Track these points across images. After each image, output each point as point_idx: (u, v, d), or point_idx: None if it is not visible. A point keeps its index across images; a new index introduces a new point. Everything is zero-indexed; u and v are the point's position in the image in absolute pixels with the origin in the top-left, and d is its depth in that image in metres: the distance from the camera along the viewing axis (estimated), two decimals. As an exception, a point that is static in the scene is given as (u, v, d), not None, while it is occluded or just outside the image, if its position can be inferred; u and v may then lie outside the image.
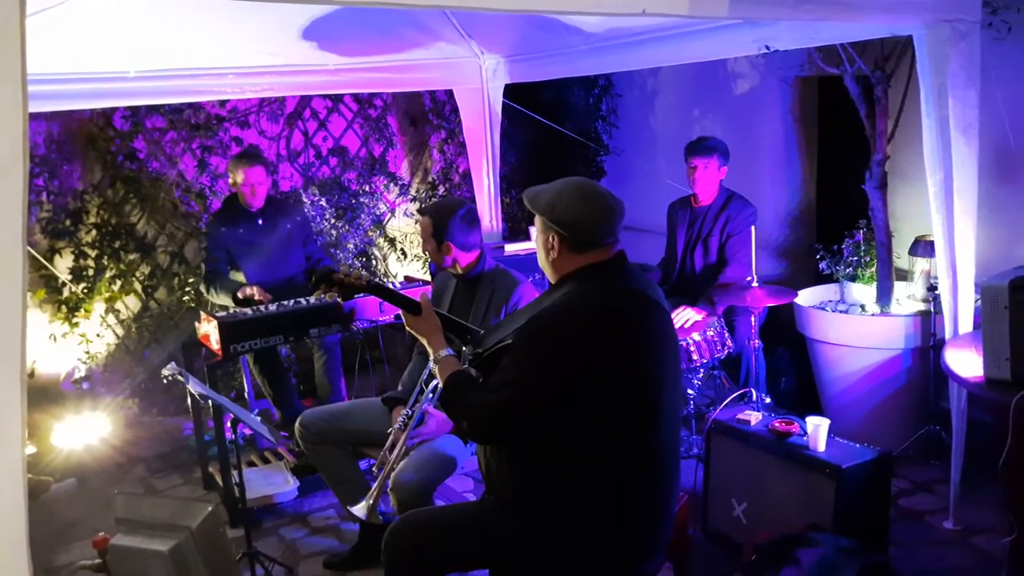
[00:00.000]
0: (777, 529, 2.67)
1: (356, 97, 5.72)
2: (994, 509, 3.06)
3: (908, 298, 3.80)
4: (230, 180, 4.05)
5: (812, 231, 5.21)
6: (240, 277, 3.97)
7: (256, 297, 3.75)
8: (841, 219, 4.55)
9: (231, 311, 3.66)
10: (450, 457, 2.76)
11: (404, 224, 6.03)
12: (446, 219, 2.90)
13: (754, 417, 2.93)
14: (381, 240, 5.90)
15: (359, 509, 2.60)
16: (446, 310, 3.03)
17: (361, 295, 2.41)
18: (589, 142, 6.11)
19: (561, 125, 5.83)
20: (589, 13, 1.94)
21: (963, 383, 2.47)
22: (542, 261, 2.08)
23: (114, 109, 4.70)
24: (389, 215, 5.94)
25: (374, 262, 5.82)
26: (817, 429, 2.68)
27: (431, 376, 2.74)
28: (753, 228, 3.43)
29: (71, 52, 3.49)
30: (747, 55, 3.87)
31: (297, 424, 3.05)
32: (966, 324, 2.91)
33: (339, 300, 2.37)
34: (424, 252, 3.06)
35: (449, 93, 5.95)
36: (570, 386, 1.86)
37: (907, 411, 3.59)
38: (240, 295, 3.80)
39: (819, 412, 3.92)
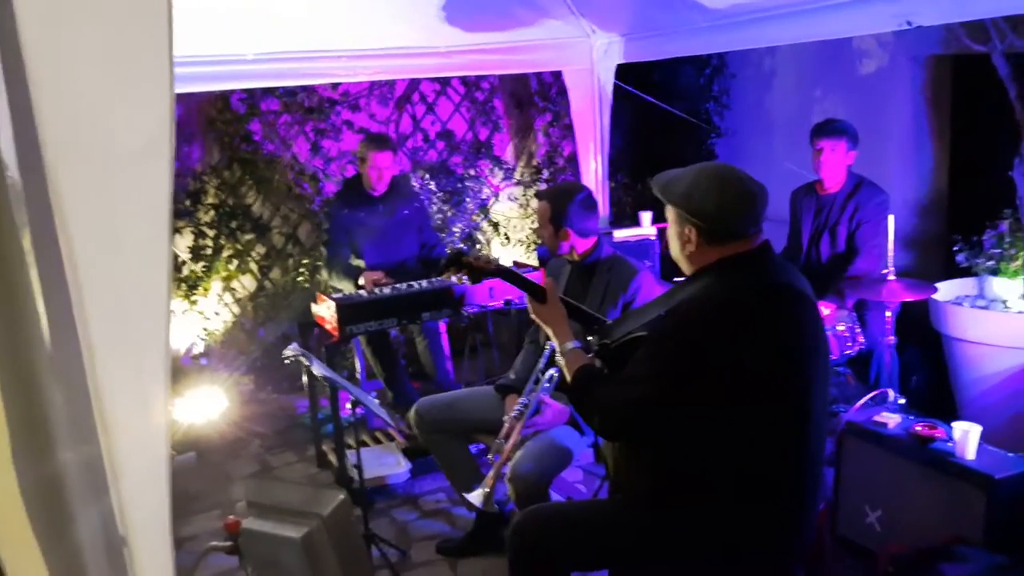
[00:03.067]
0: (916, 540, 2.50)
1: (463, 80, 5.69)
2: None
3: (1059, 294, 3.50)
4: (358, 163, 4.08)
5: (943, 221, 4.88)
6: (358, 261, 4.00)
7: (379, 282, 3.76)
8: (977, 208, 4.23)
9: (347, 293, 3.69)
10: (567, 448, 2.70)
11: (508, 208, 5.99)
12: (565, 203, 2.83)
13: (892, 420, 2.74)
14: (485, 224, 5.87)
15: (475, 497, 2.57)
16: (562, 293, 2.96)
17: (488, 279, 2.35)
18: (701, 123, 5.90)
19: (671, 106, 5.66)
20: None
21: None
22: (676, 254, 1.97)
23: (231, 91, 4.81)
24: (493, 199, 5.91)
25: (479, 246, 5.79)
26: (966, 435, 2.48)
27: (548, 365, 2.69)
28: (891, 217, 3.20)
29: (191, 35, 3.56)
30: (878, 32, 3.60)
31: (412, 412, 3.05)
32: None
33: (467, 282, 2.32)
34: (539, 237, 2.98)
35: (555, 75, 5.87)
36: (711, 384, 1.76)
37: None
38: (362, 280, 3.82)
39: (954, 415, 3.67)
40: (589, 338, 2.18)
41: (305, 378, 4.25)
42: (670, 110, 5.37)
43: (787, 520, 1.86)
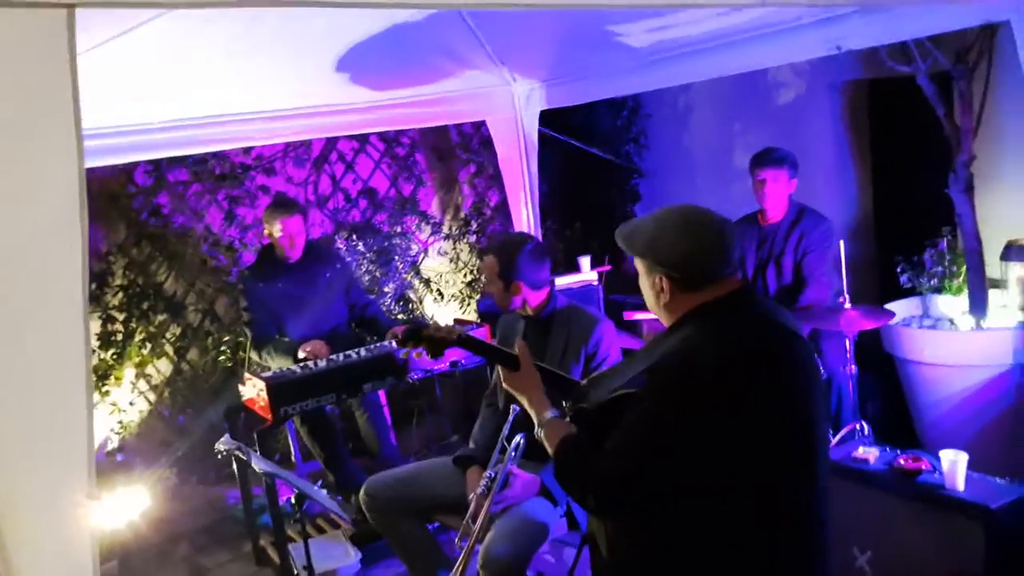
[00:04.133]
0: (916, 580, 2.37)
1: (382, 136, 5.51)
2: None
3: (1003, 308, 3.50)
4: (265, 231, 3.80)
5: (871, 243, 4.92)
6: (284, 336, 3.70)
7: (320, 353, 3.47)
8: (907, 229, 4.28)
9: (276, 370, 3.39)
10: (542, 523, 2.47)
11: (438, 264, 5.79)
12: (514, 256, 2.65)
13: (871, 454, 2.63)
14: (416, 282, 5.65)
15: (444, 587, 2.31)
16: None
17: (450, 349, 2.14)
18: (624, 164, 5.87)
19: (591, 149, 5.61)
20: (702, 5, 1.67)
21: None
22: (652, 305, 1.80)
23: (136, 164, 4.49)
24: (422, 255, 5.70)
25: (411, 305, 5.56)
26: (955, 465, 2.37)
27: (513, 432, 2.47)
28: (842, 243, 3.15)
29: (91, 104, 3.26)
30: (807, 59, 3.61)
31: (362, 493, 2.77)
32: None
33: (427, 356, 2.10)
34: (487, 293, 2.79)
35: (476, 125, 5.76)
36: (711, 443, 1.58)
37: (1020, 434, 3.26)
38: (302, 353, 3.52)
39: (915, 440, 3.62)
40: (564, 403, 1.98)
41: (235, 466, 3.90)
42: (596, 153, 5.33)
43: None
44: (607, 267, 4.81)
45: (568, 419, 1.90)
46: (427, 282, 5.68)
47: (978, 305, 3.42)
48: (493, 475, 2.45)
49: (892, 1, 1.86)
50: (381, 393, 3.92)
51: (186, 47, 3.25)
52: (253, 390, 3.25)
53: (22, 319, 1.04)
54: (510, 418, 2.49)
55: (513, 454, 2.45)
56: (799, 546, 1.68)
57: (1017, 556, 2.34)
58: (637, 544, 1.73)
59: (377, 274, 5.36)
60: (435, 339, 2.05)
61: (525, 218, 4.93)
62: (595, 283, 4.47)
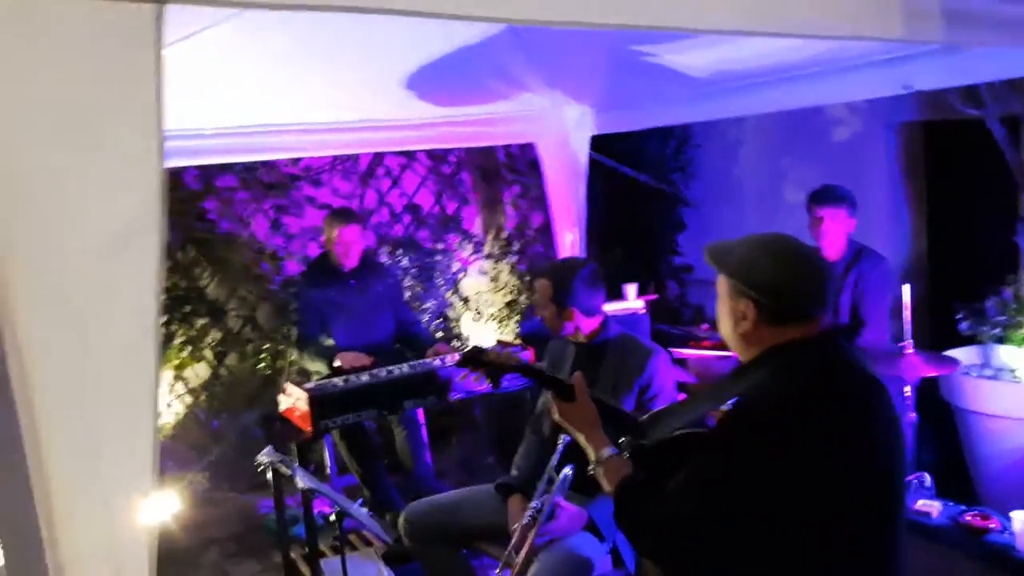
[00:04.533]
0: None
1: (430, 154, 5.51)
2: None
3: (1070, 362, 3.37)
4: (323, 238, 3.82)
5: (925, 288, 4.80)
6: (328, 341, 3.68)
7: (357, 364, 3.44)
8: (964, 274, 4.17)
9: (319, 382, 3.36)
10: (587, 559, 2.39)
11: (478, 283, 5.75)
12: (569, 280, 2.59)
13: (934, 508, 2.51)
14: (456, 300, 5.61)
15: (484, 619, 2.24)
16: (568, 381, 2.70)
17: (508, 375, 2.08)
18: (673, 192, 5.80)
19: (633, 178, 5.56)
20: (798, 36, 1.62)
21: None
22: (727, 332, 1.72)
23: (185, 168, 4.52)
24: (462, 274, 5.67)
25: (450, 323, 5.52)
26: (1028, 526, 2.25)
27: (561, 462, 2.40)
28: (905, 287, 3.04)
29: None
30: (875, 97, 3.54)
31: (402, 519, 2.72)
32: None
33: (486, 382, 2.04)
34: (540, 317, 2.73)
35: (523, 147, 5.74)
36: (786, 495, 1.50)
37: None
38: (338, 363, 3.50)
39: (972, 493, 3.48)
40: (620, 440, 1.90)
41: (270, 475, 3.87)
42: (644, 180, 5.26)
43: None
44: (654, 295, 4.74)
45: (626, 456, 1.83)
46: (466, 300, 5.64)
47: (1043, 358, 3.29)
48: (539, 506, 2.37)
49: (973, 39, 1.79)
50: (419, 411, 3.87)
51: (244, 54, 3.26)
52: (293, 400, 3.21)
53: (93, 323, 1.00)
54: (559, 448, 2.42)
55: (561, 485, 2.38)
56: None
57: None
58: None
59: (418, 290, 5.33)
60: (495, 364, 1.99)
61: (570, 242, 4.88)
62: (641, 311, 4.39)
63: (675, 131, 5.97)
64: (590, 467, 1.83)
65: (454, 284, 5.60)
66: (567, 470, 2.38)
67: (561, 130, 4.69)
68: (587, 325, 2.63)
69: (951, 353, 3.67)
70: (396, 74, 3.81)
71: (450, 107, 4.26)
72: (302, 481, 2.33)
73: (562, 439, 2.44)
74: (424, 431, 3.94)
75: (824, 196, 3.55)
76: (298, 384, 3.28)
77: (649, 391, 2.52)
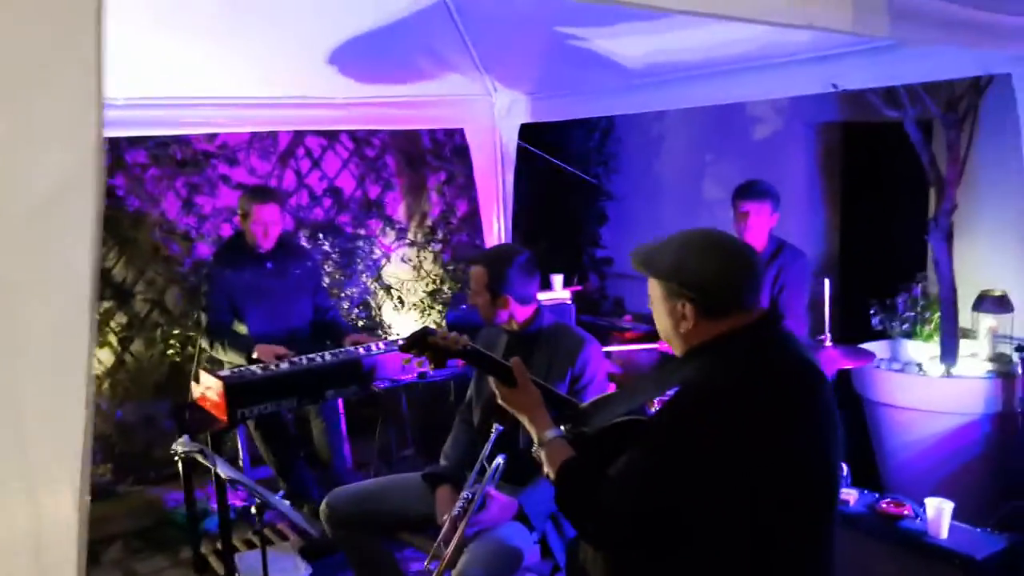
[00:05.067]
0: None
1: (353, 136, 5.35)
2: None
3: (971, 357, 3.54)
4: (239, 217, 3.63)
5: (839, 283, 4.96)
6: (241, 328, 3.51)
7: (279, 355, 3.30)
8: (873, 271, 4.32)
9: (235, 369, 3.20)
10: (517, 549, 2.35)
11: (401, 271, 5.64)
12: (504, 268, 2.54)
13: (850, 496, 2.59)
14: (377, 288, 5.49)
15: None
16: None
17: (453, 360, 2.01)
18: (597, 184, 5.83)
19: (558, 169, 5.55)
20: (750, 20, 1.61)
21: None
22: (667, 332, 1.70)
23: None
24: (385, 261, 5.54)
25: (371, 312, 5.39)
26: (940, 513, 2.34)
27: (494, 452, 2.36)
28: (827, 282, 3.13)
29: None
30: (801, 94, 3.61)
31: (324, 505, 2.61)
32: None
33: (429, 366, 1.97)
34: (472, 305, 2.67)
35: (449, 133, 5.66)
36: (727, 476, 1.49)
37: (987, 484, 3.29)
38: (256, 355, 3.34)
39: (878, 482, 3.61)
40: (561, 426, 1.87)
41: (180, 466, 3.68)
42: (573, 172, 5.26)
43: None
44: (579, 287, 4.74)
45: (567, 442, 1.80)
46: (388, 289, 5.52)
47: (949, 353, 3.44)
48: (470, 496, 2.32)
49: (916, 36, 1.83)
50: (339, 402, 3.75)
51: (161, 21, 3.08)
52: (207, 388, 3.06)
53: (19, 295, 0.88)
54: (492, 437, 2.37)
55: (492, 475, 2.33)
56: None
57: (996, 608, 2.32)
58: (627, 570, 1.63)
59: (338, 276, 5.19)
60: (440, 347, 1.93)
61: (496, 231, 4.84)
62: (568, 302, 4.39)
63: (599, 124, 6.00)
64: (533, 448, 1.79)
65: (376, 271, 5.47)
66: (499, 459, 2.33)
67: (490, 116, 4.63)
68: (521, 313, 2.59)
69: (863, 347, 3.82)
70: (321, 48, 3.67)
71: (376, 85, 4.13)
72: (225, 472, 2.20)
73: (495, 428, 2.39)
74: (343, 423, 3.82)
75: (750, 191, 3.61)
76: (212, 372, 3.12)
77: (581, 380, 2.50)
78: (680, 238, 1.70)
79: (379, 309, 5.50)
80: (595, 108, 4.36)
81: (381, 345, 3.47)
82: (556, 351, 2.55)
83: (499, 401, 1.87)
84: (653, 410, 1.87)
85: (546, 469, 1.76)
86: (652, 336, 4.02)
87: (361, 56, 3.79)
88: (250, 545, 3.42)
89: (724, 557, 1.53)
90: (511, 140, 4.70)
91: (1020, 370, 3.15)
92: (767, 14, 1.58)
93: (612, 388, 2.62)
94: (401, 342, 1.95)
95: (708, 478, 1.49)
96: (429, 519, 2.54)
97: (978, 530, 2.41)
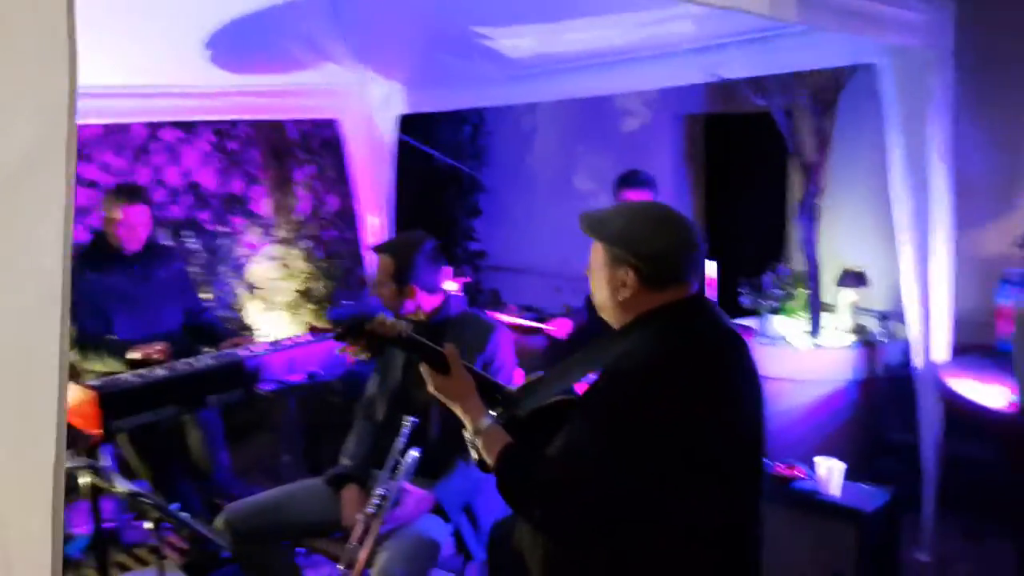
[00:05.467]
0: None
1: (214, 128, 5.05)
2: (965, 539, 3.07)
3: (835, 329, 3.80)
4: (103, 218, 3.33)
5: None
6: (110, 335, 3.22)
7: (155, 355, 3.05)
8: (739, 253, 4.56)
9: (107, 378, 2.94)
10: (435, 542, 2.29)
11: (267, 269, 5.39)
12: (411, 257, 2.47)
13: (748, 464, 2.70)
14: (241, 288, 5.21)
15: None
16: (403, 362, 2.59)
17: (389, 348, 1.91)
18: (473, 177, 5.81)
19: (431, 160, 5.50)
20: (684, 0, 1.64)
21: (985, 412, 2.38)
22: (604, 300, 1.71)
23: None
24: (250, 260, 5.27)
25: (240, 312, 5.12)
26: (831, 472, 2.50)
27: (407, 446, 2.29)
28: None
29: None
30: (686, 84, 3.74)
31: (221, 521, 2.43)
32: (940, 352, 2.88)
33: (362, 356, 1.86)
34: (377, 295, 2.58)
35: (317, 125, 5.46)
36: (673, 448, 1.51)
37: (856, 444, 3.53)
38: (136, 355, 3.07)
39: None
40: (491, 411, 1.83)
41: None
42: (455, 165, 5.21)
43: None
44: (467, 278, 4.71)
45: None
46: (253, 289, 5.26)
47: (816, 326, 3.68)
48: (385, 492, 2.23)
49: (820, 22, 1.94)
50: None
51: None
52: (78, 400, 2.78)
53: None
54: (405, 430, 2.30)
55: (407, 469, 2.26)
56: (746, 557, 1.66)
57: (881, 556, 2.50)
58: (577, 559, 1.62)
59: (199, 277, 4.88)
60: (377, 335, 1.83)
61: (376, 226, 4.72)
62: (458, 293, 4.33)
63: (470, 118, 5.98)
64: (468, 437, 1.74)
65: (240, 271, 5.20)
66: (413, 453, 2.27)
67: (366, 107, 4.51)
68: (428, 303, 2.53)
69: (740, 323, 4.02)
70: (187, 34, 3.43)
71: (245, 74, 3.93)
72: (123, 487, 2.00)
73: (409, 421, 2.33)
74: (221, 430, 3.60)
75: (631, 180, 3.70)
76: (81, 383, 2.84)
77: (492, 365, 2.47)
78: (631, 207, 1.74)
79: (243, 311, 5.23)
80: (475, 99, 4.34)
81: (266, 345, 3.30)
82: (465, 339, 2.49)
83: (431, 390, 1.81)
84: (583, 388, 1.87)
85: (483, 457, 1.71)
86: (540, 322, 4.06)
87: (229, 43, 3.57)
88: (121, 569, 3.16)
89: (669, 527, 1.55)
90: (389, 132, 4.60)
91: (881, 338, 3.41)
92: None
93: (521, 373, 2.61)
94: (339, 330, 1.84)
95: (654, 448, 1.50)
96: (335, 523, 2.44)
97: (861, 485, 2.59)
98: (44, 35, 0.75)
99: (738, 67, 3.12)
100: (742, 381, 1.63)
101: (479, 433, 1.72)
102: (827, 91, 3.40)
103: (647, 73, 3.41)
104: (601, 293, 1.71)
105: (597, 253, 1.70)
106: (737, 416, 1.59)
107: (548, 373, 1.85)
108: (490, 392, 1.85)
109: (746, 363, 1.66)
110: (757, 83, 3.53)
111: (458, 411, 1.77)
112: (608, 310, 1.72)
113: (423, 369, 1.80)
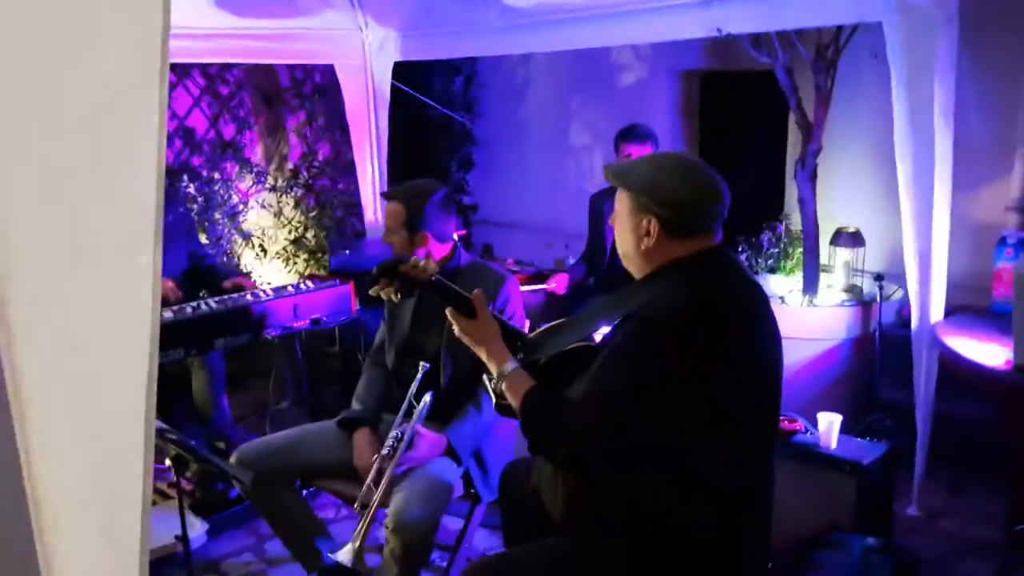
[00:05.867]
0: (790, 532, 2.54)
1: (205, 71, 4.96)
2: (951, 494, 3.20)
3: (828, 288, 3.86)
4: None
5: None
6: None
7: (167, 293, 3.05)
8: (735, 211, 4.60)
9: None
10: (449, 484, 2.34)
11: (260, 218, 5.35)
12: (422, 204, 2.47)
13: (748, 415, 2.77)
14: (236, 235, 5.17)
15: (345, 554, 2.12)
16: (412, 311, 2.61)
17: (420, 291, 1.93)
18: (467, 129, 5.76)
19: (424, 112, 5.44)
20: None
21: (982, 370, 2.45)
22: (628, 249, 1.74)
23: None
24: (243, 207, 5.23)
25: (236, 260, 5.09)
26: (831, 426, 2.57)
27: (420, 390, 2.32)
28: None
29: None
30: (687, 38, 3.72)
31: (234, 461, 2.46)
32: (937, 313, 2.95)
33: (395, 298, 1.88)
34: (387, 243, 2.59)
35: (308, 70, 5.39)
36: (699, 395, 1.56)
37: (849, 401, 3.62)
38: None
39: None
40: (518, 355, 1.86)
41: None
42: (448, 113, 5.16)
43: (756, 542, 1.73)
44: (463, 231, 4.71)
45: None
46: (247, 237, 5.22)
47: (812, 285, 3.74)
48: (399, 435, 2.28)
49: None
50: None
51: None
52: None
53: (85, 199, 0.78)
54: (419, 375, 2.34)
55: (421, 413, 2.30)
56: (754, 515, 1.71)
57: (878, 506, 2.60)
58: (601, 497, 1.67)
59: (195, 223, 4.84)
60: (410, 277, 1.84)
61: (369, 175, 4.70)
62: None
63: (463, 68, 5.91)
64: (493, 381, 1.77)
65: (236, 219, 5.15)
66: (427, 397, 2.31)
67: (361, 53, 4.46)
68: (439, 251, 2.54)
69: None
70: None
71: (247, 18, 3.86)
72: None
73: (422, 366, 2.36)
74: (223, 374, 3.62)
75: (632, 134, 3.71)
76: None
77: (503, 315, 2.49)
78: (656, 158, 1.77)
79: (239, 258, 5.20)
80: (471, 47, 4.29)
81: (270, 291, 3.30)
82: (476, 288, 2.52)
83: (457, 333, 1.83)
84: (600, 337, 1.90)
85: (501, 401, 1.75)
86: (538, 279, 4.08)
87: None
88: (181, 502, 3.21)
89: (686, 478, 1.60)
90: (384, 79, 4.56)
91: (877, 298, 3.48)
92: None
93: (527, 322, 2.64)
94: (375, 271, 1.85)
95: (674, 393, 1.54)
96: (346, 465, 2.47)
97: (859, 440, 2.67)
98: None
99: (743, 23, 3.11)
100: (763, 333, 1.67)
101: (503, 377, 1.75)
102: (829, 49, 3.40)
103: (649, 26, 3.40)
104: (625, 242, 1.74)
105: (622, 203, 1.72)
106: (757, 369, 1.63)
107: (567, 320, 1.88)
108: (511, 338, 1.88)
109: (767, 316, 1.70)
110: (759, 39, 3.53)
111: (483, 355, 1.80)
112: (632, 259, 1.74)
113: (450, 313, 1.83)
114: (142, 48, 0.76)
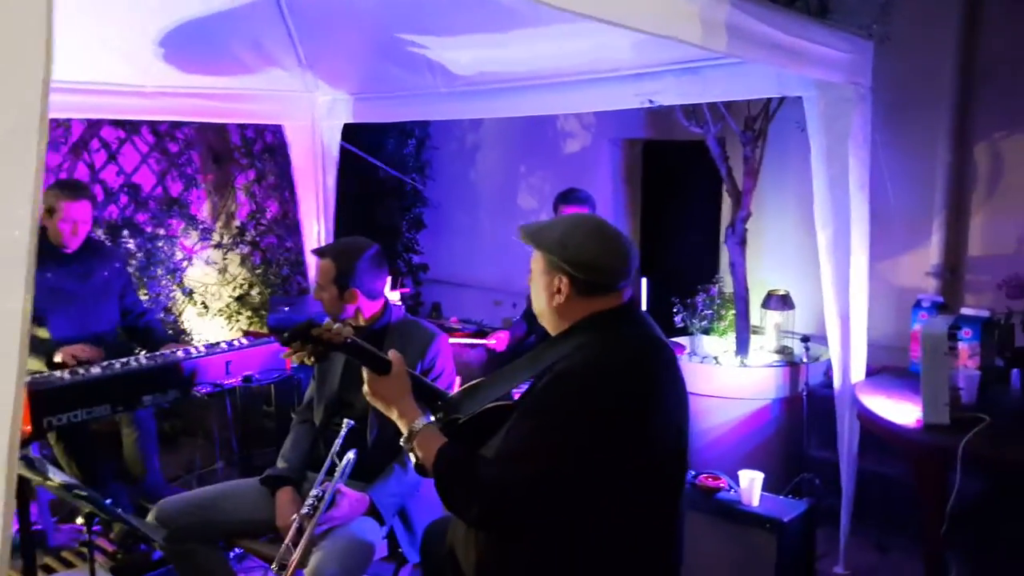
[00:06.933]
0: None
1: (154, 129, 4.99)
2: (879, 552, 3.25)
3: (760, 349, 3.97)
4: (43, 211, 3.26)
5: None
6: (42, 332, 3.16)
7: (83, 357, 3.01)
8: (671, 275, 4.72)
9: (43, 374, 2.89)
10: (370, 544, 2.32)
11: (204, 274, 5.32)
12: (353, 261, 2.51)
13: (675, 474, 2.81)
14: (178, 292, 5.14)
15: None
16: (342, 368, 2.61)
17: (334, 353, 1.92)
18: (418, 190, 5.85)
19: (376, 172, 5.53)
20: (608, 22, 1.73)
21: (895, 429, 2.53)
22: (541, 307, 1.80)
23: None
24: (187, 263, 5.21)
25: (176, 317, 5.04)
26: (752, 483, 2.62)
27: (344, 448, 2.32)
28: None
29: None
30: (620, 108, 3.86)
31: (153, 517, 2.42)
32: (858, 373, 3.05)
33: (308, 362, 1.86)
34: (317, 298, 2.61)
35: (259, 130, 5.45)
36: (608, 450, 1.59)
37: (779, 460, 3.69)
38: (59, 358, 3.03)
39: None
40: (431, 416, 1.88)
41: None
42: (398, 176, 5.25)
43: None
44: (406, 289, 4.74)
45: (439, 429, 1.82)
46: (191, 293, 5.19)
47: (743, 346, 3.84)
48: (320, 493, 2.26)
49: (745, 53, 2.07)
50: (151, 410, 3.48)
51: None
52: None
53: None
54: (343, 432, 2.34)
55: (343, 471, 2.29)
56: (670, 559, 1.74)
57: (799, 564, 2.63)
58: (511, 557, 1.68)
59: (135, 279, 4.80)
60: (324, 340, 1.84)
61: (316, 233, 4.72)
62: (399, 304, 4.36)
63: (415, 132, 6.04)
64: (402, 439, 1.79)
65: (177, 274, 5.13)
66: (350, 455, 2.30)
67: (311, 115, 4.53)
68: (369, 308, 2.57)
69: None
70: (137, 33, 3.44)
71: (195, 75, 3.91)
72: (58, 478, 1.98)
73: (346, 423, 2.36)
74: (155, 433, 3.56)
75: (570, 197, 3.83)
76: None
77: (431, 373, 2.52)
78: (568, 219, 1.84)
79: (180, 315, 5.16)
80: (419, 112, 4.40)
81: (202, 348, 3.28)
82: (405, 346, 2.53)
83: (366, 392, 1.84)
84: (519, 394, 1.94)
85: (419, 456, 1.76)
86: (479, 336, 4.12)
87: (175, 43, 3.57)
88: (46, 572, 3.09)
89: (596, 527, 1.62)
90: (333, 140, 4.64)
91: (804, 359, 3.58)
92: (631, 20, 1.72)
93: (458, 380, 2.66)
94: (286, 335, 1.84)
95: (585, 450, 1.58)
96: (269, 524, 2.44)
97: (780, 497, 2.72)
98: (23, 29, 0.78)
99: (672, 95, 3.25)
100: (670, 388, 1.72)
101: (414, 434, 1.76)
102: (757, 121, 3.57)
103: (585, 96, 3.53)
104: (539, 300, 1.79)
105: (536, 262, 1.79)
106: (664, 424, 1.68)
107: (486, 379, 1.91)
108: (430, 398, 1.90)
109: (674, 372, 1.75)
110: (691, 111, 3.69)
111: (393, 414, 1.82)
112: (546, 316, 1.80)
113: (365, 373, 1.84)
114: (21, 98, 0.80)
